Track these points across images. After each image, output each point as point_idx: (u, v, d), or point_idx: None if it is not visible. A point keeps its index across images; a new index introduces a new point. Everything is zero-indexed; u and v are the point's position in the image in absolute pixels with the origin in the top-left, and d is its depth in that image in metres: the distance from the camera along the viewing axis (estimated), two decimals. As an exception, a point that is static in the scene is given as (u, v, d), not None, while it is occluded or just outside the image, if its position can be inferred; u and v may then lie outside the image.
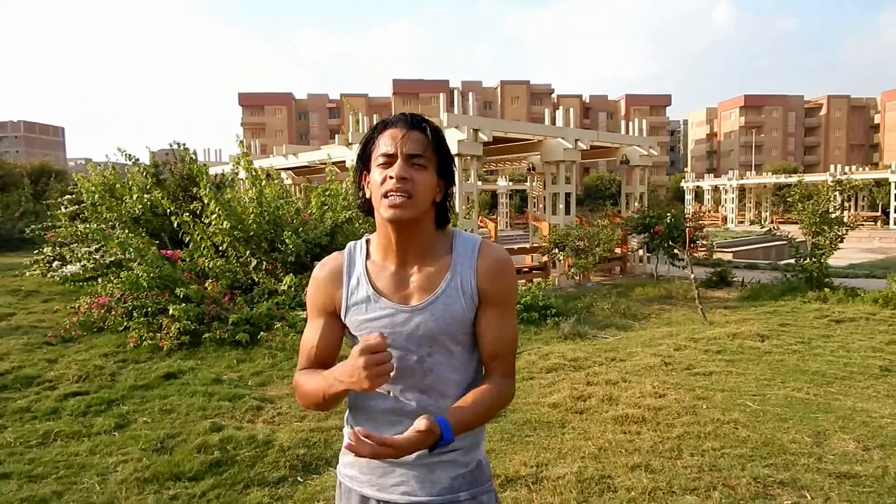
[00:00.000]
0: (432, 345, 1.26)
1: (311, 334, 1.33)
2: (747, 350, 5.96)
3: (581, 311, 8.15)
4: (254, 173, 8.05)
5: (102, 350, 6.10)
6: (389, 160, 1.21)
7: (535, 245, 12.31)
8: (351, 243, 1.35)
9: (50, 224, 12.79)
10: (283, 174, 16.23)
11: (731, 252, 16.92)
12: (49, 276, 10.71)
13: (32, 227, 13.96)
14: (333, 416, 4.24)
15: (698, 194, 42.86)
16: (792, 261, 10.44)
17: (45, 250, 11.86)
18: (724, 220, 36.78)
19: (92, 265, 8.80)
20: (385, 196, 1.20)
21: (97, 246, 9.23)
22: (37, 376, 5.27)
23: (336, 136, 12.98)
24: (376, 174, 1.23)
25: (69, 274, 9.05)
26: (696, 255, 13.31)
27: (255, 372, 5.45)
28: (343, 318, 1.30)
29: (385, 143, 1.22)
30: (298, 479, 3.36)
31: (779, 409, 4.26)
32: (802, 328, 7.00)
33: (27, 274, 11.76)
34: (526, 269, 11.66)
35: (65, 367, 5.50)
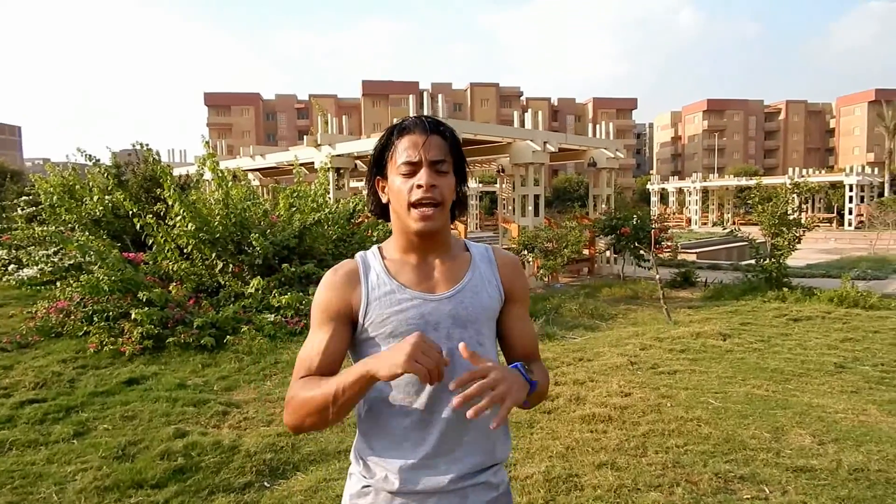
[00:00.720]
0: (462, 336, 1.20)
1: (316, 342, 1.21)
2: (710, 349, 6.11)
3: (550, 312, 8.23)
4: (220, 174, 7.92)
5: (61, 356, 5.92)
6: (414, 168, 1.19)
7: (504, 247, 12.39)
8: (361, 252, 1.30)
9: (5, 226, 12.37)
10: (251, 175, 16.00)
11: (695, 253, 17.32)
12: (4, 280, 10.35)
13: (-14, 229, 13.45)
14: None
15: (663, 196, 43.73)
16: (752, 261, 10.75)
17: (0, 253, 11.46)
18: (689, 221, 37.61)
19: (50, 268, 8.54)
20: (414, 206, 1.18)
21: (55, 249, 8.98)
22: (-7, 385, 5.08)
23: (305, 137, 12.85)
24: (399, 182, 1.20)
25: (26, 278, 8.75)
26: (661, 256, 13.60)
27: (221, 376, 5.36)
28: (363, 319, 1.20)
29: (406, 150, 1.19)
30: (265, 484, 3.32)
31: (740, 405, 4.38)
32: (762, 327, 7.21)
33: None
34: (495, 271, 11.72)
35: (21, 374, 5.33)
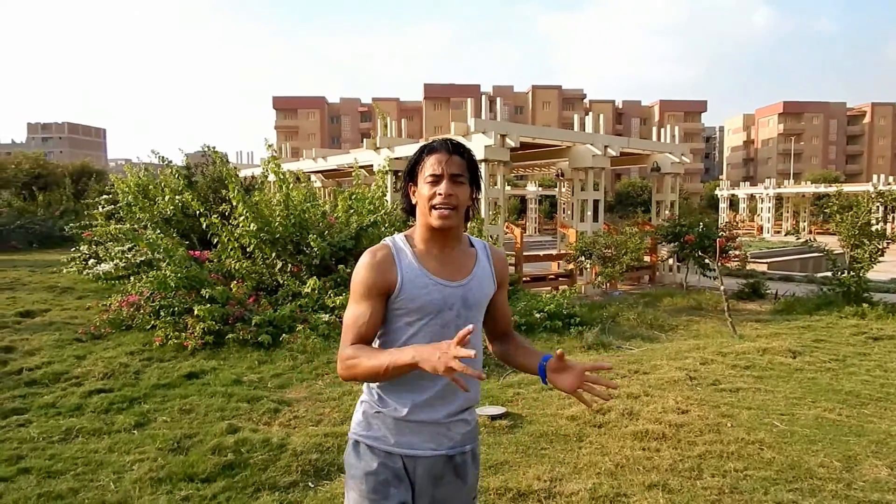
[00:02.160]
0: (468, 315, 1.60)
1: (362, 312, 1.55)
2: (777, 366, 5.76)
3: (606, 321, 8.01)
4: (281, 176, 8.14)
5: (129, 348, 6.23)
6: (437, 179, 1.55)
7: (561, 252, 12.17)
8: (388, 238, 1.64)
9: (87, 223, 13.16)
10: (314, 177, 16.42)
11: (766, 263, 16.47)
12: (84, 273, 11.01)
13: (71, 225, 14.38)
14: (348, 422, 4.23)
15: (733, 203, 41.91)
16: (829, 274, 10.09)
17: (81, 248, 12.22)
18: (760, 229, 35.86)
19: (124, 264, 9.01)
20: (435, 208, 1.55)
21: (129, 245, 9.46)
22: (65, 372, 5.40)
23: (365, 139, 13.06)
24: (425, 189, 1.57)
25: (102, 272, 9.27)
26: (728, 265, 13.00)
27: (275, 374, 5.48)
28: (397, 294, 1.55)
29: (432, 166, 1.56)
30: (310, 484, 3.36)
31: (808, 430, 4.09)
32: (837, 345, 6.74)
33: (64, 271, 12.11)
34: (552, 277, 11.53)
35: (92, 364, 5.63)
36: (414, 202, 1.62)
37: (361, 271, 1.57)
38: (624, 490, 3.22)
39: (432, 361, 1.35)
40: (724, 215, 35.40)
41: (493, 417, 4.28)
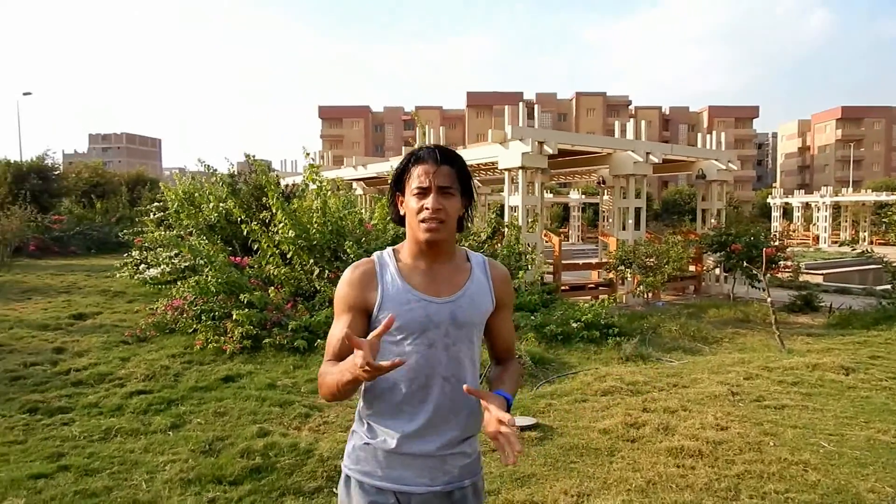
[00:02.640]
0: (458, 334, 1.48)
1: (337, 331, 1.47)
2: (828, 383, 5.47)
3: (646, 332, 7.79)
4: (319, 184, 8.27)
5: (171, 351, 6.41)
6: (424, 192, 1.45)
7: (600, 261, 11.94)
8: (377, 252, 1.55)
9: (139, 229, 13.67)
10: (355, 185, 16.66)
11: (822, 274, 15.72)
12: (135, 278, 11.43)
13: (125, 231, 14.98)
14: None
15: (787, 211, 40.33)
16: (889, 286, 9.57)
17: (133, 254, 12.69)
18: (816, 239, 34.34)
19: (170, 269, 9.31)
20: (422, 221, 1.45)
21: (176, 251, 9.76)
22: (109, 373, 5.59)
23: (404, 148, 13.16)
24: (413, 202, 1.47)
25: (150, 277, 9.60)
26: (779, 276, 12.49)
27: (309, 379, 5.54)
28: (377, 312, 1.46)
29: (419, 177, 1.45)
30: (334, 490, 3.35)
31: (858, 452, 3.86)
32: None
33: (117, 275, 12.59)
34: (591, 286, 11.32)
35: (135, 366, 5.82)
36: (402, 213, 1.53)
37: (341, 287, 1.51)
38: (655, 509, 3.09)
39: (347, 367, 1.30)
40: (776, 224, 34.10)
41: (523, 428, 4.20)
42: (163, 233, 9.61)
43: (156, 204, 14.51)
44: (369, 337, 1.27)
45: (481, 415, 1.47)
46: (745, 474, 3.49)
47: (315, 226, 8.01)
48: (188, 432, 4.19)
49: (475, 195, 1.57)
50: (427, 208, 1.43)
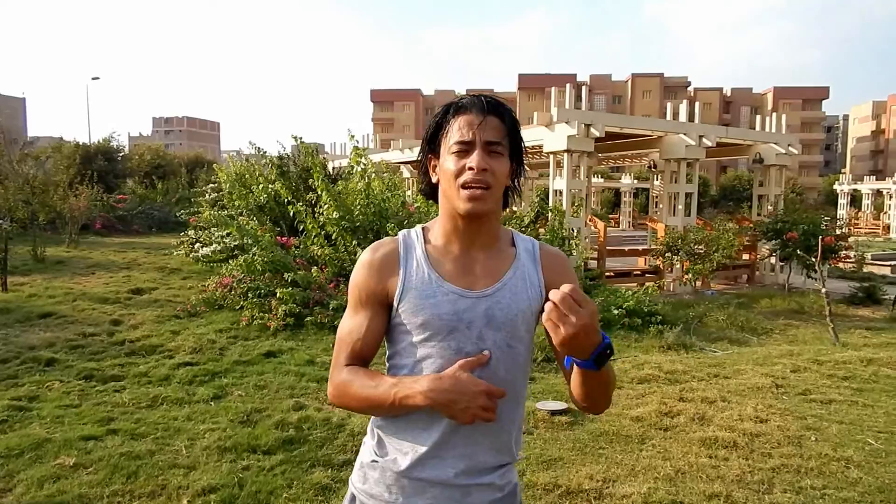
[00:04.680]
0: (494, 337, 1.18)
1: (357, 325, 1.21)
2: (882, 379, 5.19)
3: (691, 321, 7.58)
4: (363, 166, 8.37)
5: (219, 326, 6.67)
6: (467, 148, 1.15)
7: (647, 248, 11.66)
8: (404, 231, 1.27)
9: (195, 209, 14.22)
10: (403, 168, 16.77)
11: (889, 266, 14.86)
12: (190, 256, 11.92)
13: (183, 211, 15.60)
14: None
15: (856, 199, 38.18)
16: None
17: (189, 233, 13.23)
18: (887, 229, 32.42)
19: (220, 248, 9.66)
20: (464, 187, 1.14)
21: (227, 231, 10.11)
22: (160, 345, 5.88)
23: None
24: (450, 162, 1.16)
25: (202, 255, 9.99)
26: (841, 266, 11.90)
27: (346, 357, 5.66)
28: (397, 304, 1.19)
29: (461, 130, 1.16)
30: (362, 465, 3.44)
31: (907, 450, 3.67)
32: (961, 359, 5.97)
33: (174, 254, 13.15)
34: (637, 273, 11.08)
35: (184, 339, 6.09)
36: (435, 180, 1.23)
37: (359, 271, 1.24)
38: (681, 498, 3.04)
39: (452, 409, 1.06)
40: (843, 212, 32.37)
41: (553, 412, 4.18)
42: (215, 213, 9.96)
43: (211, 185, 15.05)
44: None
45: (520, 440, 1.27)
46: (782, 468, 3.38)
47: (358, 207, 8.13)
48: (228, 403, 4.37)
49: (523, 164, 1.26)
50: (471, 168, 1.13)
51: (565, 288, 1.00)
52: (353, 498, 1.26)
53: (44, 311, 7.22)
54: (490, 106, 1.17)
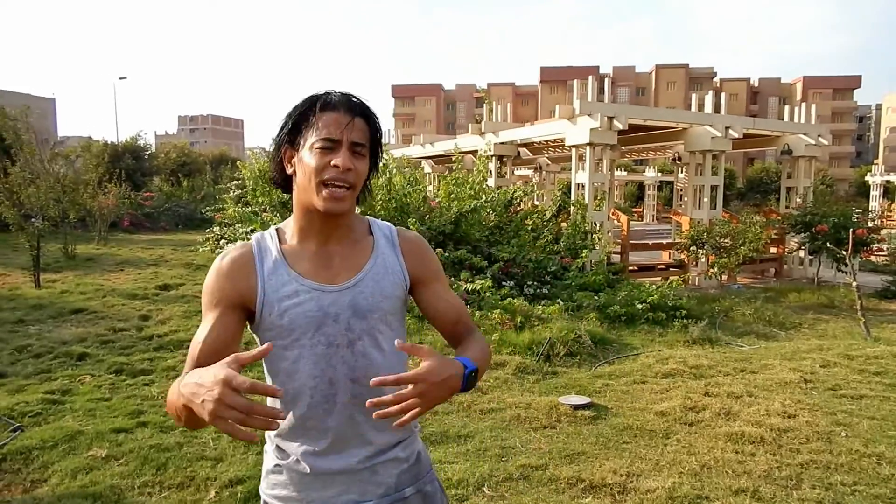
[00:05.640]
0: (363, 326, 1.19)
1: (203, 330, 1.16)
2: (916, 374, 5.06)
3: (717, 315, 7.47)
4: (384, 161, 8.40)
5: (244, 321, 6.77)
6: (332, 146, 1.14)
7: (671, 241, 11.51)
8: (257, 234, 1.25)
9: (220, 206, 14.43)
10: (424, 163, 16.80)
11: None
12: (215, 252, 12.12)
13: (208, 208, 15.85)
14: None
15: (888, 190, 37.16)
16: None
17: (214, 229, 13.44)
18: (921, 220, 31.48)
19: (245, 244, 9.79)
20: (324, 184, 1.13)
21: (252, 227, 10.24)
22: (187, 340, 5.95)
23: (470, 125, 13.12)
24: (313, 158, 1.14)
25: (227, 251, 10.12)
26: (871, 259, 11.61)
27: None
28: (260, 311, 1.17)
29: (328, 127, 1.14)
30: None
31: (942, 447, 3.57)
32: None
33: (200, 250, 13.41)
34: (661, 267, 10.95)
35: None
36: (289, 172, 1.20)
37: (209, 278, 1.19)
38: (707, 493, 3.00)
39: (195, 405, 0.94)
40: (875, 204, 31.53)
41: (576, 407, 4.17)
42: (239, 209, 10.09)
43: (235, 182, 15.25)
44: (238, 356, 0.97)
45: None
46: (810, 464, 3.32)
47: (380, 202, 8.17)
48: (254, 396, 4.43)
49: (379, 163, 1.27)
50: (336, 166, 1.12)
51: (409, 375, 1.02)
52: None
53: (75, 308, 7.40)
54: (358, 107, 1.17)
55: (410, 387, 1.02)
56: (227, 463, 3.34)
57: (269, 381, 1.22)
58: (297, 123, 1.18)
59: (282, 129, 1.20)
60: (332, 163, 1.13)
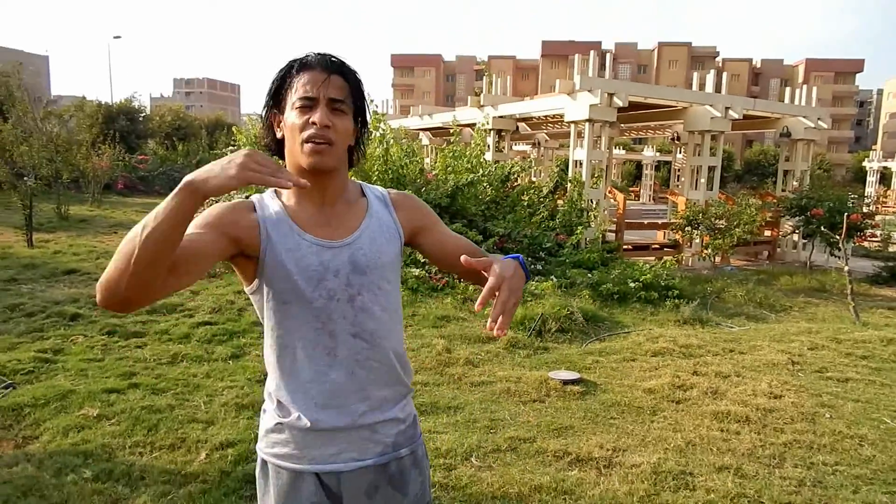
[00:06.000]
0: (362, 281, 1.22)
1: (189, 231, 1.07)
2: (902, 359, 5.13)
3: (708, 296, 7.52)
4: (381, 132, 8.31)
5: (237, 287, 6.75)
6: (310, 104, 1.17)
7: (666, 221, 11.52)
8: (255, 195, 1.26)
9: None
10: (422, 135, 16.64)
11: (916, 245, 14.55)
12: (209, 217, 12.05)
13: (202, 173, 15.70)
14: (421, 372, 4.36)
15: (885, 176, 37.20)
16: None
17: (208, 194, 13.34)
18: (917, 208, 31.61)
19: (240, 210, 9.73)
20: (306, 141, 1.16)
21: (246, 193, 10.17)
22: (180, 304, 5.98)
23: (469, 98, 12.97)
24: (294, 117, 1.17)
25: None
26: (864, 245, 11.67)
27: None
28: (262, 260, 1.17)
29: (305, 87, 1.17)
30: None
31: (923, 430, 3.64)
32: (985, 341, 5.87)
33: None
34: (656, 246, 10.97)
35: (203, 299, 6.19)
36: (279, 136, 1.23)
37: (211, 208, 1.19)
38: (691, 469, 3.06)
39: (214, 172, 0.97)
40: (871, 190, 31.59)
41: (566, 382, 4.21)
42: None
43: (230, 147, 15.10)
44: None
45: (410, 370, 1.33)
46: (794, 443, 3.38)
47: (376, 173, 8.11)
48: (246, 362, 4.46)
49: (369, 118, 1.30)
50: (314, 123, 1.15)
51: (492, 282, 1.09)
52: (264, 463, 1.27)
53: (68, 268, 7.37)
54: (335, 65, 1.19)
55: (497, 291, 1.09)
56: (219, 426, 3.36)
57: (269, 334, 1.23)
58: (279, 87, 1.22)
59: (268, 94, 1.24)
60: (311, 120, 1.16)
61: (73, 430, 3.24)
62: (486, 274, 1.12)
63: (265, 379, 3.51)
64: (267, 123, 1.25)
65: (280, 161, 1.23)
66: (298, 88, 1.18)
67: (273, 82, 1.23)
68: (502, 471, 3.01)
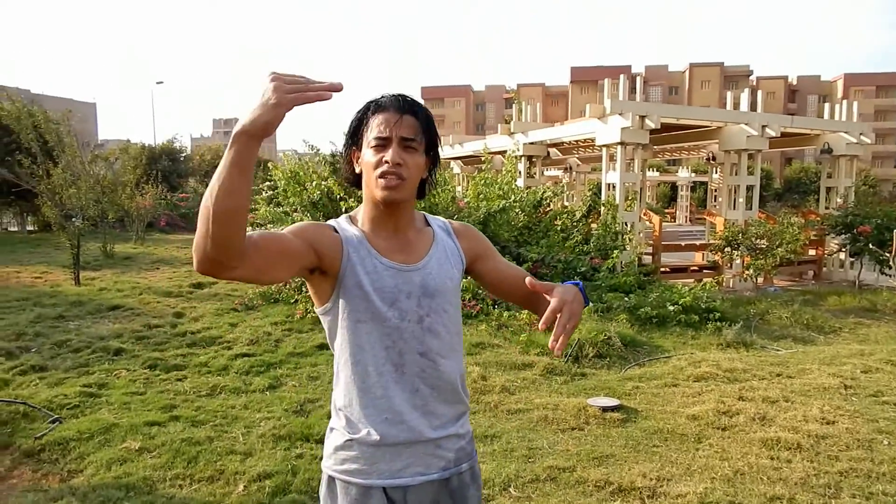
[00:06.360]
0: (431, 304, 1.32)
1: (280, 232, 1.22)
2: (965, 381, 4.85)
3: (752, 318, 7.28)
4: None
5: (274, 319, 6.86)
6: (384, 143, 1.27)
7: (704, 242, 11.26)
8: (332, 220, 1.36)
9: (252, 207, 14.69)
10: (453, 164, 16.80)
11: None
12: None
13: (241, 209, 16.12)
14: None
15: (936, 190, 35.72)
16: None
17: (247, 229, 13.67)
18: (971, 222, 30.17)
19: (276, 243, 9.92)
20: (381, 177, 1.27)
21: (283, 227, 10.38)
22: (219, 337, 6.09)
23: (500, 126, 13.08)
24: (370, 155, 1.29)
25: (259, 250, 10.27)
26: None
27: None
28: (341, 277, 1.26)
29: (379, 127, 1.28)
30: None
31: None
32: None
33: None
34: (694, 268, 10.72)
35: (241, 331, 6.30)
36: (358, 171, 1.34)
37: (303, 223, 1.32)
38: (740, 499, 2.92)
39: (256, 112, 1.01)
40: (921, 205, 30.37)
41: (605, 409, 4.10)
42: (271, 209, 10.23)
43: (267, 183, 15.49)
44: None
45: (467, 389, 1.43)
46: (850, 472, 3.20)
47: (408, 203, 8.19)
48: (283, 393, 4.49)
49: (440, 153, 1.40)
50: (387, 161, 1.26)
51: (554, 305, 1.19)
52: (332, 480, 1.33)
53: (113, 304, 7.61)
54: (406, 105, 1.30)
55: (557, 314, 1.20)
56: (256, 458, 3.38)
57: (341, 352, 1.33)
58: (357, 127, 1.34)
59: (347, 133, 1.36)
60: (384, 158, 1.27)
61: (115, 463, 3.30)
62: (547, 297, 1.22)
63: (301, 409, 3.55)
64: (347, 159, 1.38)
65: (358, 191, 1.36)
66: (374, 128, 1.29)
67: (351, 123, 1.35)
68: (542, 501, 2.93)
